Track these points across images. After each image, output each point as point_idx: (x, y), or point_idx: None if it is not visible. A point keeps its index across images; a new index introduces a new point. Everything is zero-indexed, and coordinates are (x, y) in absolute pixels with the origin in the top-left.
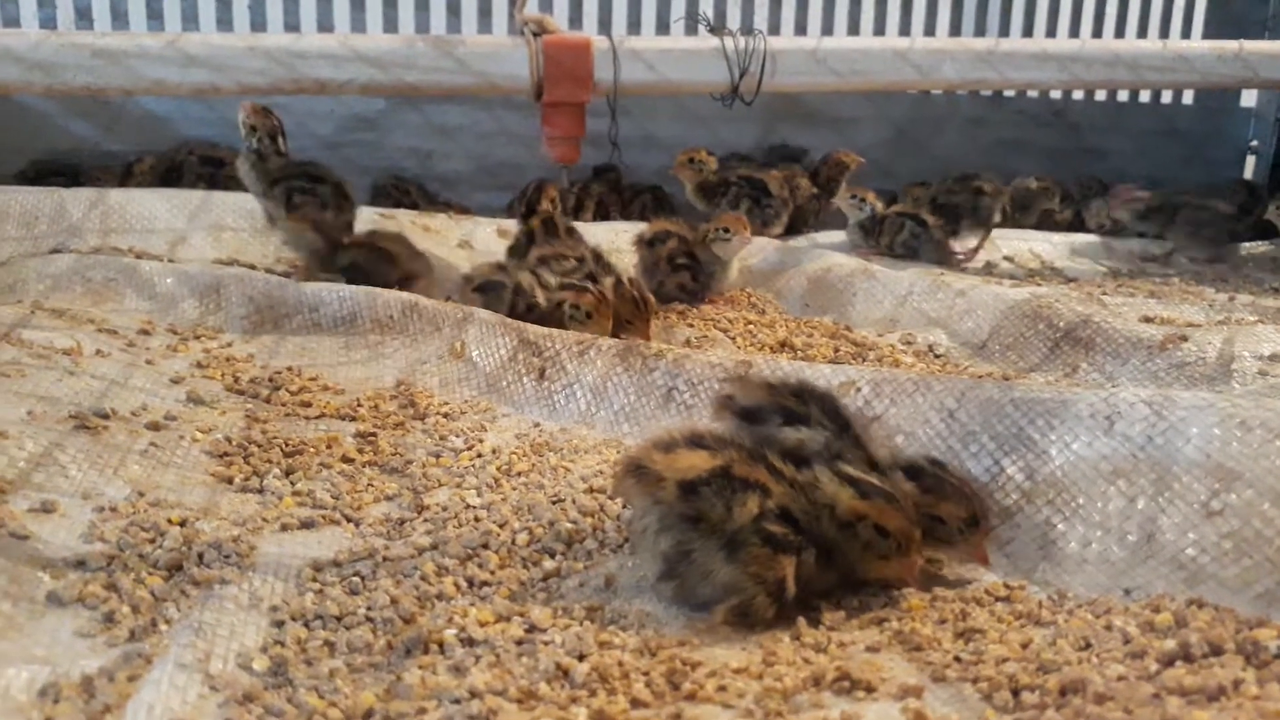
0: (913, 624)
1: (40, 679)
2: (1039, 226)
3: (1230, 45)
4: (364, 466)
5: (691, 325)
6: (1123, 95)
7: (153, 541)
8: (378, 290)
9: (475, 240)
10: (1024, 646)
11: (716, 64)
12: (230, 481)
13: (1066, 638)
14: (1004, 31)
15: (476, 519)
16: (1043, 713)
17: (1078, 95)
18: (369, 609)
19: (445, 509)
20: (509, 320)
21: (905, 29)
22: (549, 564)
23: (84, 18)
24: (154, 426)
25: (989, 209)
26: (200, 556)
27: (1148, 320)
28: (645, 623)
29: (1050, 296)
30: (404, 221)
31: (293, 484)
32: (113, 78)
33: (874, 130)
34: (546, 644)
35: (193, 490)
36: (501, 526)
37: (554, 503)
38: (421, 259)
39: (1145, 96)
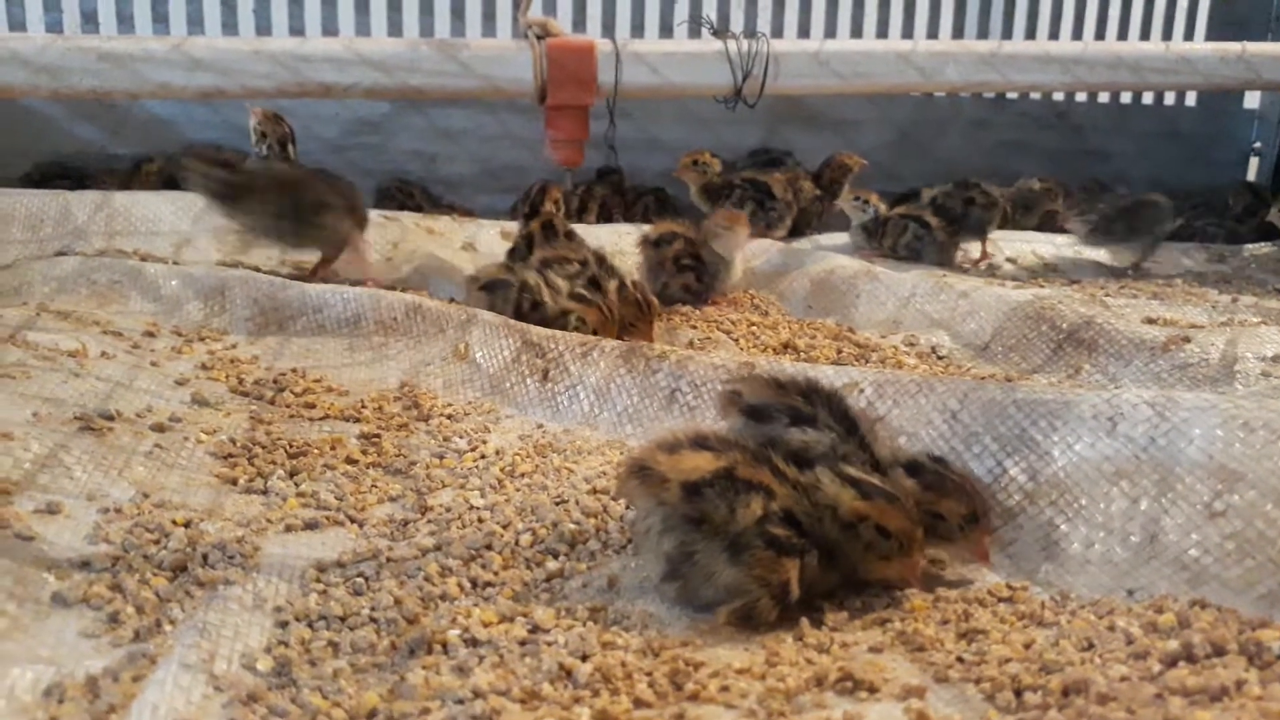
0: (915, 624)
1: (45, 679)
2: (1041, 228)
3: (1233, 47)
4: (368, 468)
5: (694, 327)
6: (1125, 97)
7: (157, 542)
8: (382, 292)
9: (479, 243)
10: (1027, 647)
11: (720, 67)
12: (235, 483)
13: (1069, 638)
14: (1007, 34)
15: (480, 520)
16: (1045, 713)
17: (1080, 97)
18: (373, 609)
19: (449, 510)
20: (512, 322)
21: (908, 31)
22: (552, 565)
23: (89, 21)
24: (159, 428)
25: (980, 220)
26: (205, 557)
27: (1151, 321)
28: (648, 623)
29: (1053, 298)
30: (408, 224)
31: (297, 485)
32: (118, 81)
33: (877, 132)
34: (550, 644)
35: (197, 491)
36: (505, 527)
37: (557, 504)
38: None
39: (1148, 98)
